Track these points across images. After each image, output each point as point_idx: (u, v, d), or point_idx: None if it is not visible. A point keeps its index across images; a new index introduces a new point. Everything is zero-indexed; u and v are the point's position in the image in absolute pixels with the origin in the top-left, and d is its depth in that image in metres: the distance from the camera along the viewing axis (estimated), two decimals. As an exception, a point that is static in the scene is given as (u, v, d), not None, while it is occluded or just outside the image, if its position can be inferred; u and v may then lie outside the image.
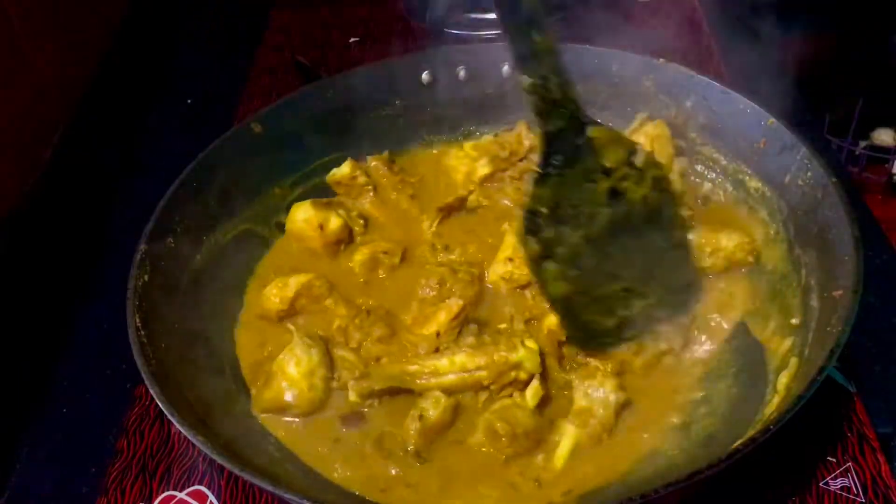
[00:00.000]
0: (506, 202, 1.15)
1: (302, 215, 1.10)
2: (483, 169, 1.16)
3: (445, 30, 1.62)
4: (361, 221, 1.13)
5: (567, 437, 0.89)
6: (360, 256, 1.08)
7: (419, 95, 1.23)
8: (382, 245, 1.10)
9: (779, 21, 1.23)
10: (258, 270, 1.11)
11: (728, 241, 1.00)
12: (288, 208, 1.14)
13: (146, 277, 0.93)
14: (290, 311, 1.03)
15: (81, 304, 1.23)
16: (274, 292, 1.02)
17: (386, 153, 1.20)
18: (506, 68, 1.23)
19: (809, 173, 0.97)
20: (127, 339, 0.87)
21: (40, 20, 1.39)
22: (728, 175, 1.10)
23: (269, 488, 0.75)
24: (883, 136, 1.27)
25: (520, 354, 0.91)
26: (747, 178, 1.07)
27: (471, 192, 1.15)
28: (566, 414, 0.91)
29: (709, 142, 1.12)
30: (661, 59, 1.14)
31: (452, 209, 1.14)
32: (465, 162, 1.18)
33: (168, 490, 0.98)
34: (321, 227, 1.09)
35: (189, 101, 1.63)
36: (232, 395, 0.96)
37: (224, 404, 0.93)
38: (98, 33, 1.59)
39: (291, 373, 0.92)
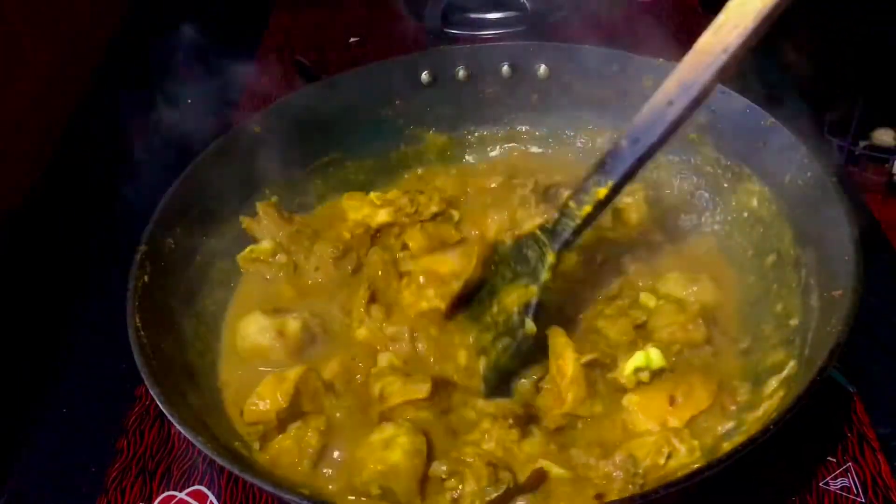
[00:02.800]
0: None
1: (254, 328, 0.96)
2: (382, 217, 1.11)
3: (445, 30, 1.62)
4: (318, 320, 1.00)
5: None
6: (328, 373, 0.95)
7: (419, 95, 1.23)
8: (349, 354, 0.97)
9: (780, 21, 1.23)
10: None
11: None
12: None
13: (146, 277, 0.93)
14: (293, 414, 0.89)
15: (81, 304, 1.23)
16: (267, 394, 0.89)
17: (274, 198, 1.12)
18: (506, 68, 1.23)
19: (809, 173, 0.97)
20: (127, 339, 0.87)
21: (40, 20, 1.39)
22: (728, 175, 1.10)
23: (270, 489, 0.75)
24: (883, 136, 1.27)
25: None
26: (747, 178, 1.07)
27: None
28: None
29: (709, 142, 1.12)
30: (661, 59, 1.14)
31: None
32: (366, 206, 1.13)
33: (168, 490, 0.98)
34: (280, 334, 0.96)
35: (189, 100, 1.63)
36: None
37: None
38: (98, 33, 1.59)
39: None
